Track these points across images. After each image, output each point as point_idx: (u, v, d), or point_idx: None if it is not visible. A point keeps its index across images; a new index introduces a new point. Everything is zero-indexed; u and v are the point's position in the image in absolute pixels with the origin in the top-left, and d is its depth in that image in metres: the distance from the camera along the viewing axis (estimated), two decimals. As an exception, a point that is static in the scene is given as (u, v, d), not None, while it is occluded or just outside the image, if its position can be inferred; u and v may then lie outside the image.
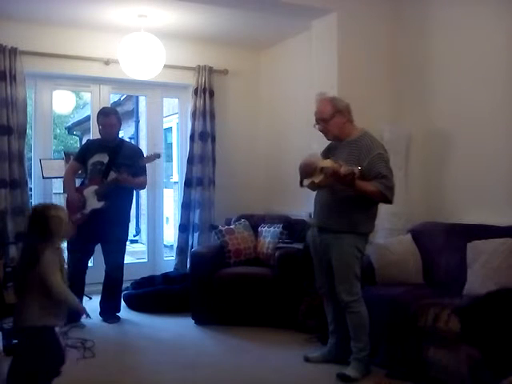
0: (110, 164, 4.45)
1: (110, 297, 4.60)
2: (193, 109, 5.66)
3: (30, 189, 5.26)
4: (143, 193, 7.79)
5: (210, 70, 5.69)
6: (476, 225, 3.64)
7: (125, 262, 4.73)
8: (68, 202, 4.46)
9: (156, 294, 4.95)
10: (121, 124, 4.66)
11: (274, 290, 4.34)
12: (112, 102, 7.66)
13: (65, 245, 3.62)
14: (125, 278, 4.68)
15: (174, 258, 5.79)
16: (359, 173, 3.10)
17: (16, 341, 2.63)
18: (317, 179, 3.24)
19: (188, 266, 5.28)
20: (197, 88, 5.64)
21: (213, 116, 5.70)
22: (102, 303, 4.60)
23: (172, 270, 5.60)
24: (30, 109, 5.09)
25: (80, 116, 12.29)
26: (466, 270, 3.41)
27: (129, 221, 4.73)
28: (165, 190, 6.36)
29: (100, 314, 4.57)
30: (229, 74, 5.87)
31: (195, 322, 4.51)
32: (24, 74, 4.91)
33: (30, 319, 2.52)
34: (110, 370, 3.45)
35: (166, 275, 5.32)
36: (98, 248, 4.60)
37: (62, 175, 4.77)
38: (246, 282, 4.45)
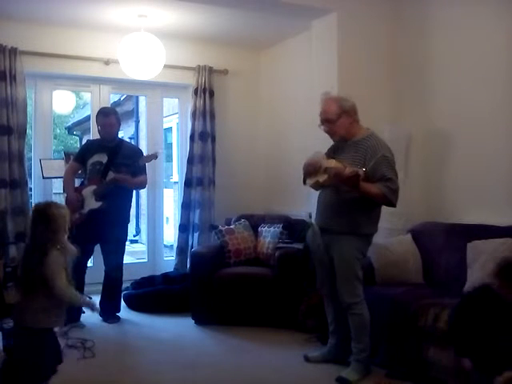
0: (109, 164, 4.44)
1: (110, 297, 4.60)
2: (193, 109, 5.66)
3: (30, 189, 5.26)
4: (143, 193, 7.79)
5: (210, 70, 5.69)
6: (476, 225, 3.64)
7: (125, 261, 4.74)
8: (67, 202, 4.46)
9: (156, 294, 4.95)
10: (120, 124, 4.66)
11: (274, 290, 4.34)
12: (112, 101, 7.66)
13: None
14: (125, 278, 4.68)
15: (174, 258, 5.79)
16: (363, 175, 3.09)
17: (13, 339, 2.62)
18: (321, 179, 3.22)
19: (188, 266, 5.28)
20: (197, 88, 5.64)
21: (213, 116, 5.70)
22: (101, 303, 4.58)
23: (172, 270, 5.60)
24: (30, 109, 5.09)
25: (80, 116, 12.29)
26: (465, 269, 3.42)
27: (128, 221, 4.73)
28: (165, 190, 6.36)
29: (100, 314, 4.56)
30: (229, 73, 5.87)
31: (195, 322, 4.51)
32: (24, 74, 4.91)
33: (30, 320, 2.52)
34: (110, 370, 3.45)
35: (165, 275, 5.32)
36: (98, 248, 4.59)
37: (62, 175, 4.77)
38: (246, 282, 4.45)
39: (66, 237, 2.64)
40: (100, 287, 4.61)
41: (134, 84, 5.65)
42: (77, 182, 4.73)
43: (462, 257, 3.47)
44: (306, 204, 4.85)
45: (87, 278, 4.50)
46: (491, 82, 3.84)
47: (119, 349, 3.94)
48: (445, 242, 3.76)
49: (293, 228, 4.78)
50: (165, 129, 6.65)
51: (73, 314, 4.11)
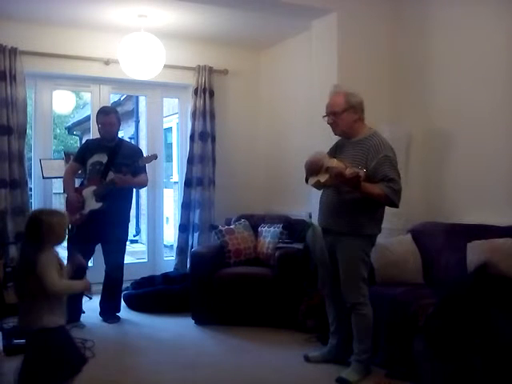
0: (109, 164, 4.44)
1: (110, 297, 4.60)
2: (193, 109, 5.66)
3: (30, 189, 5.26)
4: (143, 193, 7.80)
5: (210, 70, 5.69)
6: (476, 225, 3.64)
7: (125, 262, 4.73)
8: (67, 202, 4.47)
9: (156, 294, 4.95)
10: (120, 123, 4.65)
11: (274, 290, 4.34)
12: (112, 101, 7.66)
13: (64, 245, 3.62)
14: (125, 277, 4.68)
15: (174, 258, 5.79)
16: (365, 175, 3.07)
17: (23, 342, 2.62)
18: (322, 178, 3.19)
19: (188, 266, 5.29)
20: (197, 88, 5.64)
21: (213, 116, 5.70)
22: (101, 303, 4.60)
23: (172, 270, 5.61)
24: (30, 109, 5.09)
25: (80, 116, 12.30)
26: (466, 269, 3.41)
27: (129, 221, 4.73)
28: (165, 190, 6.36)
29: (100, 313, 4.58)
30: (229, 73, 5.87)
31: (195, 322, 4.51)
32: (24, 74, 4.91)
33: (35, 322, 2.52)
34: (110, 370, 3.45)
35: (165, 275, 5.32)
36: (98, 248, 4.59)
37: (62, 175, 4.77)
38: (246, 282, 4.45)
39: (54, 246, 2.61)
40: (100, 287, 4.61)
41: (134, 84, 5.65)
42: (77, 182, 4.72)
43: (462, 257, 3.47)
44: (306, 204, 4.85)
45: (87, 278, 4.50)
46: (491, 81, 3.84)
47: (119, 349, 3.94)
48: (445, 242, 3.76)
49: (293, 228, 4.77)
50: (165, 129, 6.65)
51: (73, 314, 4.12)
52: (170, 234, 6.67)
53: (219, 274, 4.52)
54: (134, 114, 10.00)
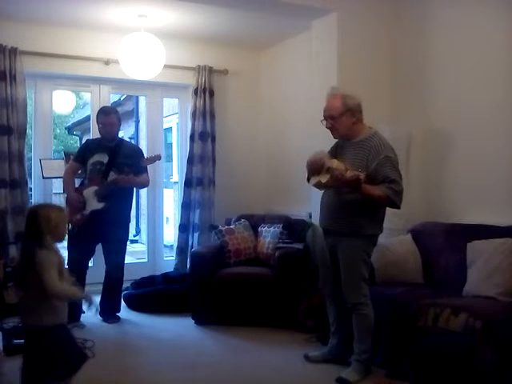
0: (110, 164, 4.44)
1: (110, 297, 4.60)
2: (193, 109, 5.66)
3: (30, 189, 5.26)
4: (143, 193, 7.80)
5: (210, 70, 5.69)
6: (476, 225, 3.64)
7: (125, 262, 4.73)
8: (68, 202, 4.46)
9: (156, 294, 4.95)
10: (120, 123, 4.65)
11: (274, 290, 4.34)
12: (112, 101, 7.66)
13: (64, 245, 3.61)
14: (125, 277, 4.68)
15: (174, 258, 5.79)
16: (365, 178, 3.06)
17: (24, 341, 2.62)
18: (324, 179, 3.16)
19: (188, 266, 5.29)
20: (197, 88, 5.64)
21: (213, 116, 5.70)
22: (102, 303, 4.59)
23: (172, 270, 5.61)
24: (30, 109, 5.09)
25: (80, 116, 12.30)
26: (466, 269, 3.41)
27: (129, 221, 4.73)
28: (165, 190, 6.37)
29: (100, 314, 4.57)
30: (229, 73, 5.87)
31: (195, 322, 4.51)
32: (24, 73, 4.91)
33: (35, 321, 2.52)
34: (110, 370, 3.45)
35: (165, 275, 5.32)
36: (98, 248, 4.60)
37: (62, 175, 4.77)
38: (246, 282, 4.45)
39: (51, 239, 2.57)
40: (100, 287, 4.61)
41: (134, 84, 5.65)
42: (76, 182, 4.72)
43: (462, 257, 3.47)
44: (306, 204, 4.85)
45: (87, 278, 4.50)
46: (491, 82, 3.84)
47: (119, 349, 3.94)
48: (445, 242, 3.76)
49: (293, 228, 4.78)
50: (165, 129, 6.65)
51: (73, 314, 4.11)
52: (170, 234, 6.68)
53: (219, 273, 4.52)
54: (134, 113, 10.00)
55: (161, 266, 5.78)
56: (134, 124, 10.15)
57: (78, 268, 4.34)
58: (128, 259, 5.01)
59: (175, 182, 7.82)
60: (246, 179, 5.88)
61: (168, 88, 5.91)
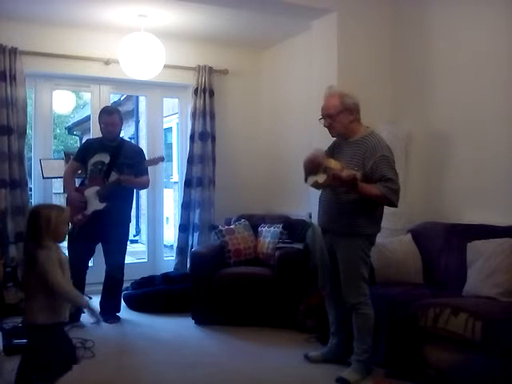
0: (112, 164, 4.43)
1: (110, 297, 4.60)
2: (193, 109, 5.66)
3: (30, 189, 5.26)
4: (143, 193, 7.79)
5: (210, 70, 5.69)
6: (476, 225, 3.64)
7: (125, 262, 4.73)
8: (68, 202, 4.46)
9: (156, 294, 4.95)
10: (122, 123, 4.65)
11: (274, 290, 4.34)
12: (112, 101, 7.65)
13: (64, 245, 3.61)
14: (125, 277, 4.68)
15: (174, 258, 5.79)
16: (361, 177, 3.07)
17: (25, 339, 2.63)
18: (321, 179, 3.18)
19: (188, 266, 5.29)
20: (197, 88, 5.64)
21: (213, 116, 5.70)
22: (102, 303, 4.59)
23: (172, 270, 5.61)
24: (30, 109, 5.09)
25: (80, 116, 12.30)
26: (465, 269, 3.42)
27: (129, 221, 4.73)
28: (165, 190, 6.36)
29: (100, 314, 4.55)
30: (229, 73, 5.87)
31: (195, 322, 4.51)
32: (24, 73, 4.91)
33: (37, 318, 2.52)
34: (110, 370, 3.45)
35: (165, 275, 5.32)
36: (99, 248, 4.60)
37: (62, 175, 4.76)
38: (246, 282, 4.45)
39: (51, 240, 2.57)
40: (100, 287, 4.61)
41: (134, 84, 5.65)
42: (76, 182, 4.72)
43: (462, 257, 3.47)
44: (306, 204, 4.85)
45: (88, 278, 4.51)
46: (491, 82, 3.84)
47: (119, 349, 3.93)
48: (445, 242, 3.77)
49: (293, 228, 4.78)
50: (165, 129, 6.65)
51: (73, 314, 4.11)
52: (170, 233, 6.67)
53: (219, 273, 4.52)
54: (134, 114, 10.00)
55: (161, 266, 5.78)
56: (133, 124, 10.15)
57: (78, 268, 4.35)
58: (128, 259, 5.00)
59: (175, 182, 7.82)
60: (245, 179, 5.88)
61: (168, 88, 5.91)
